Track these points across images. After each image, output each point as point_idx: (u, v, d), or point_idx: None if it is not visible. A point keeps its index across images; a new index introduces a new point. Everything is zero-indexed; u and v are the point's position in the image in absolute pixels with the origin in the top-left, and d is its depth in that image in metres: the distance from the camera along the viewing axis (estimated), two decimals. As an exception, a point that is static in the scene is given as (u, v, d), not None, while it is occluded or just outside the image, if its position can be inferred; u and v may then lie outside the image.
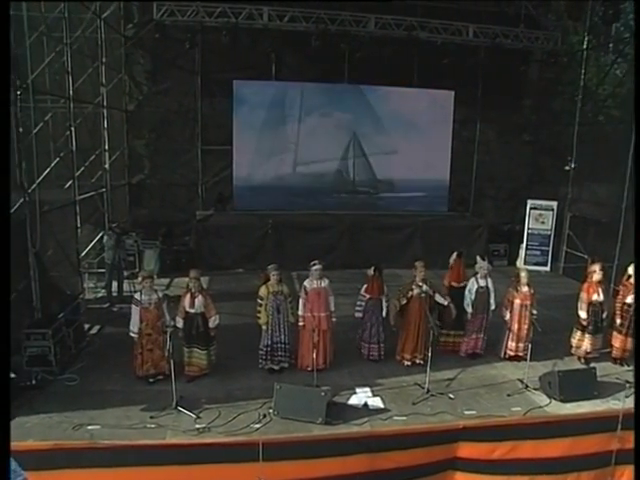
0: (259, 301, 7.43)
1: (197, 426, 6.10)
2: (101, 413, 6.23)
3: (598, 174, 12.72)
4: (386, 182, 14.42)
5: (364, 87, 13.83)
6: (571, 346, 8.27)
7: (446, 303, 7.99)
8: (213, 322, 7.29)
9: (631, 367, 7.79)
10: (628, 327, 7.96)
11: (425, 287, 7.67)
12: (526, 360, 7.53)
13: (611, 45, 13.43)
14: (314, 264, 7.60)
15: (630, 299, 7.94)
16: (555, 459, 6.67)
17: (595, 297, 7.99)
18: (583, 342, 8.10)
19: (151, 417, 6.23)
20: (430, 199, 14.72)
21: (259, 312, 7.44)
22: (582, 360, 8.12)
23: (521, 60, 14.25)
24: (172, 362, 6.44)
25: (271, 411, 6.36)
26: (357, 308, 8.11)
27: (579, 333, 8.15)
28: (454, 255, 8.87)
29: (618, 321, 8.10)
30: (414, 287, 7.71)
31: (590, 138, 13.09)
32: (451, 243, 12.49)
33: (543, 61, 14.31)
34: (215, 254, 12.70)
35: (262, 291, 7.44)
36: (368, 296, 7.98)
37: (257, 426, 6.12)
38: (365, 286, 8.04)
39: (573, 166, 14.10)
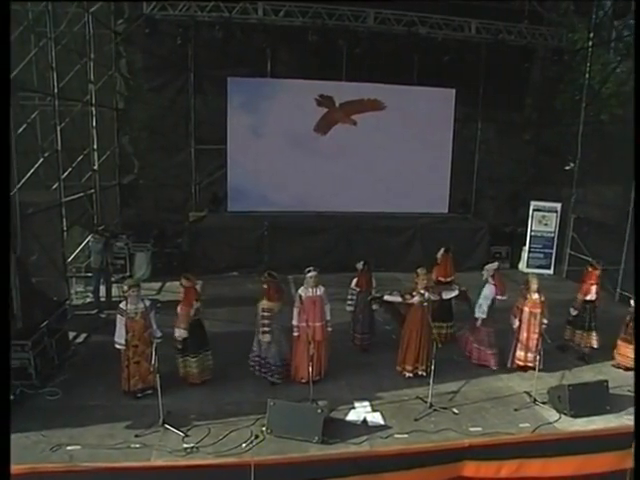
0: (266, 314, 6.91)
1: (185, 445, 5.71)
2: (82, 431, 5.83)
3: (603, 175, 12.39)
4: (385, 181, 13.99)
5: (363, 84, 13.38)
6: (565, 338, 8.40)
7: (457, 292, 7.75)
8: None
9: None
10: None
11: (427, 295, 7.29)
12: (534, 370, 7.22)
13: (613, 44, 13.10)
14: (309, 271, 7.22)
15: None
16: (564, 478, 6.32)
17: (589, 297, 8.17)
18: (575, 336, 8.35)
19: (136, 436, 5.83)
20: (430, 200, 14.31)
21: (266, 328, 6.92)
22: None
23: (524, 58, 13.87)
24: (158, 376, 6.04)
25: (264, 429, 5.97)
26: (348, 302, 8.41)
27: (570, 328, 8.43)
28: (442, 250, 9.17)
29: (629, 330, 7.78)
30: (415, 294, 7.34)
31: (594, 138, 12.77)
32: (452, 246, 12.19)
33: (547, 58, 13.95)
34: (209, 257, 12.29)
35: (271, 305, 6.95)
36: (358, 289, 8.27)
37: (249, 446, 5.72)
38: (355, 280, 8.37)
39: (572, 165, 13.81)
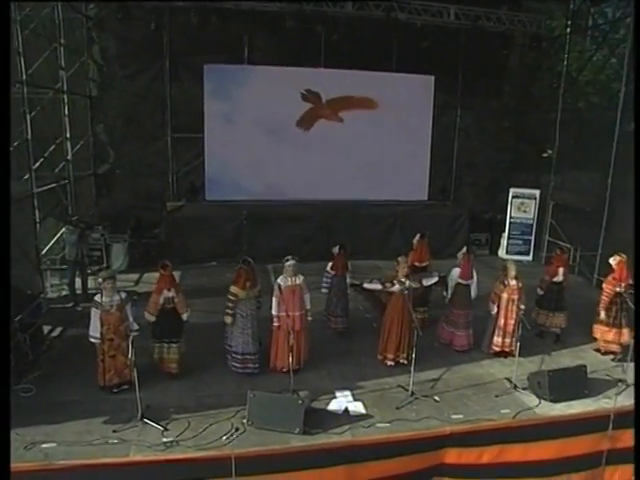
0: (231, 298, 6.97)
1: (164, 440, 5.61)
2: (58, 428, 5.68)
3: (580, 162, 12.47)
4: (365, 169, 13.89)
5: (341, 71, 13.17)
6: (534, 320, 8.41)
7: (437, 278, 7.87)
8: (186, 317, 7.05)
9: (623, 363, 7.54)
10: (615, 319, 7.82)
11: (408, 283, 7.26)
12: (513, 356, 7.29)
13: (590, 31, 13.12)
14: (288, 259, 7.13)
15: (617, 289, 7.81)
16: (544, 461, 6.41)
17: (556, 279, 8.38)
18: (539, 316, 8.52)
19: (114, 431, 5.71)
20: (410, 187, 14.26)
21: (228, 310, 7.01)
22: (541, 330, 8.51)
23: (502, 44, 13.87)
24: (136, 370, 5.91)
25: (245, 421, 5.90)
26: (323, 285, 8.55)
27: (536, 309, 8.57)
28: (417, 236, 9.37)
29: (602, 314, 7.90)
30: (396, 283, 7.30)
31: (571, 125, 12.85)
32: (432, 234, 12.15)
33: (525, 45, 13.95)
34: (186, 247, 12.06)
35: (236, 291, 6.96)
36: (333, 273, 8.39)
37: (230, 438, 5.65)
38: (330, 263, 8.48)
39: (550, 152, 13.91)
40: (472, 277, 8.01)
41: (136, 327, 6.63)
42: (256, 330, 7.09)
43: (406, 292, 7.18)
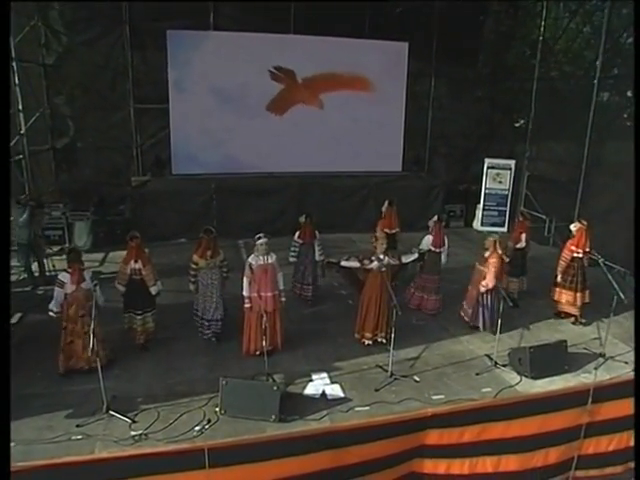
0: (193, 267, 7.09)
1: (132, 433, 5.28)
2: (17, 425, 5.23)
3: (556, 132, 12.31)
4: (336, 140, 13.47)
5: (311, 38, 12.63)
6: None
7: (417, 255, 7.72)
8: (155, 290, 6.98)
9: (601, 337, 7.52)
10: (571, 282, 7.95)
11: (387, 259, 6.99)
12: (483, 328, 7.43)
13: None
14: (259, 237, 6.79)
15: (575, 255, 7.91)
16: (525, 437, 6.36)
17: (519, 245, 8.63)
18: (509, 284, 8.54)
19: (77, 426, 5.35)
20: (383, 158, 13.93)
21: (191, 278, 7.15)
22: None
23: (478, 10, 13.46)
24: (98, 356, 5.54)
25: (217, 410, 5.62)
26: (291, 253, 8.57)
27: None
28: (386, 203, 9.54)
29: (559, 277, 8.04)
30: (374, 259, 7.03)
31: (545, 95, 12.64)
32: (407, 205, 11.96)
33: (501, 12, 13.59)
34: (154, 223, 11.49)
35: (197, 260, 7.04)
36: (301, 241, 8.46)
37: (202, 429, 5.36)
38: (297, 233, 8.52)
39: (522, 122, 13.75)
40: (443, 245, 8.23)
41: (102, 300, 6.42)
42: (219, 299, 7.15)
43: (384, 269, 6.91)
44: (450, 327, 7.92)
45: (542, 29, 12.71)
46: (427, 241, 8.18)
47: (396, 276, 7.49)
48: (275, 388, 5.61)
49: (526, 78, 13.00)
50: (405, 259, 7.42)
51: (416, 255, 7.61)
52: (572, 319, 8.16)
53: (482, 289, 7.45)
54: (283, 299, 6.99)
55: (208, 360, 6.79)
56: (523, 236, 8.64)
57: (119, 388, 6.03)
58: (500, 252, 7.57)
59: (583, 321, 8.08)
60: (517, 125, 14.49)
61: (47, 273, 9.26)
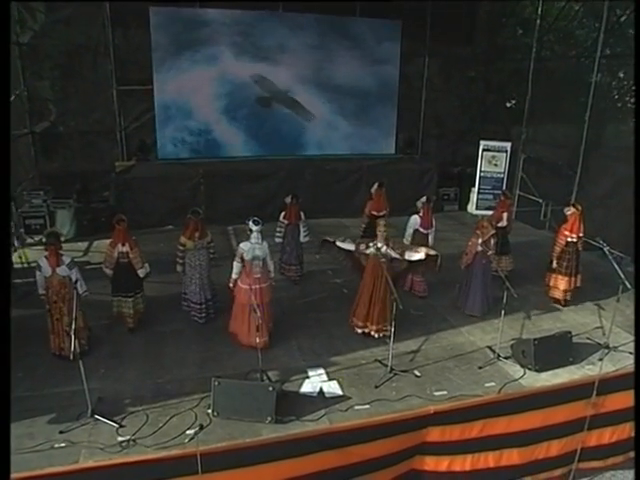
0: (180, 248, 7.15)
1: (119, 439, 4.97)
2: (-7, 433, 4.95)
3: (553, 114, 12.00)
4: (328, 122, 13.06)
5: (300, 15, 12.14)
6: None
7: (424, 257, 6.88)
8: (143, 272, 6.92)
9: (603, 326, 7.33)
10: (567, 268, 7.86)
11: (385, 249, 6.64)
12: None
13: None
14: (255, 222, 6.52)
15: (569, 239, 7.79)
16: (528, 431, 6.15)
17: (500, 224, 8.44)
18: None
19: (60, 432, 5.02)
20: (376, 141, 13.58)
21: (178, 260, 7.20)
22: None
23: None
24: (76, 347, 5.13)
25: (210, 411, 5.33)
26: (277, 234, 8.53)
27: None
28: (375, 185, 9.39)
29: (555, 263, 7.94)
30: (372, 245, 6.69)
31: (539, 75, 12.30)
32: (400, 189, 11.66)
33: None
34: (140, 210, 11.03)
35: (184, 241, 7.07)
36: (287, 222, 8.45)
37: (194, 434, 5.04)
38: (283, 213, 8.49)
39: (513, 102, 13.43)
40: (432, 226, 8.16)
41: (84, 288, 6.25)
42: (206, 280, 7.19)
43: (382, 259, 6.57)
44: (449, 317, 7.67)
45: (539, 9, 12.28)
46: (414, 221, 8.09)
47: (401, 274, 7.18)
48: (271, 389, 5.31)
49: (523, 59, 12.62)
50: (409, 256, 6.79)
51: (423, 256, 6.81)
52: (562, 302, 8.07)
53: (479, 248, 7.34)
54: (273, 283, 6.85)
55: (199, 356, 6.49)
56: (505, 215, 8.57)
57: (105, 389, 5.72)
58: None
59: (569, 299, 8.06)
60: (508, 105, 14.15)
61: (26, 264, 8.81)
